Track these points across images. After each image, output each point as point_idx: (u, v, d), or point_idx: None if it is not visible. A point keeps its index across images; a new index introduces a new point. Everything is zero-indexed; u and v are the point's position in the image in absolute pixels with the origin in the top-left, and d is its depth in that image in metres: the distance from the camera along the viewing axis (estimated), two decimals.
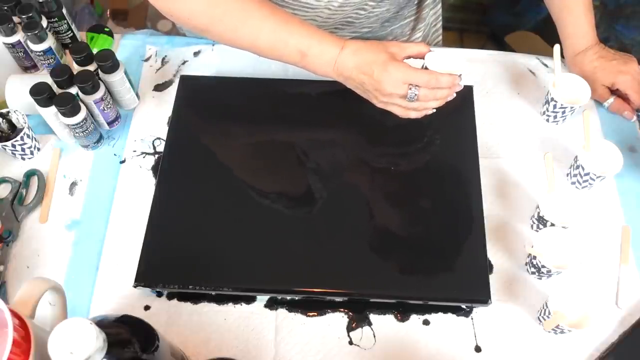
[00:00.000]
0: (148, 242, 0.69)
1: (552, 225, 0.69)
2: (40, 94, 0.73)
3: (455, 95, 0.69)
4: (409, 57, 0.68)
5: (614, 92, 0.83)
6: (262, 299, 0.69)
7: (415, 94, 0.65)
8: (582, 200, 0.71)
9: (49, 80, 0.75)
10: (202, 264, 0.68)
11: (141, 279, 0.67)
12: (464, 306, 0.69)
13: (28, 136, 0.77)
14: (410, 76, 0.65)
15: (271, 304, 0.69)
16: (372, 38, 0.91)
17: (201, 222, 0.71)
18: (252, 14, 0.67)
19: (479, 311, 0.69)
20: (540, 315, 0.67)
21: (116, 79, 0.79)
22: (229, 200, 0.73)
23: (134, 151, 0.81)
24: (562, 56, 0.85)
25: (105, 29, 0.90)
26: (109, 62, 0.77)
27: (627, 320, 0.68)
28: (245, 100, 0.82)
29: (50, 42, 0.81)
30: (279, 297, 0.69)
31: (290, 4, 0.77)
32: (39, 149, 0.80)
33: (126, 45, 0.92)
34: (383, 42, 0.68)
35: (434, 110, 0.69)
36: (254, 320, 0.68)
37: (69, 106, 0.72)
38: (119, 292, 0.70)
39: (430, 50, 0.68)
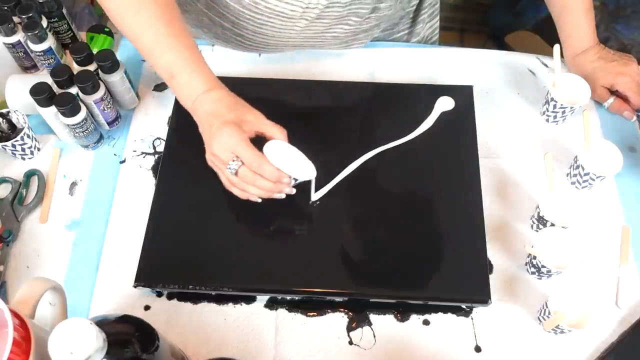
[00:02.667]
0: (148, 242, 0.69)
1: (552, 225, 0.69)
2: (40, 94, 0.73)
3: (284, 196, 0.65)
4: (261, 134, 0.64)
5: (614, 93, 0.83)
6: (262, 299, 0.69)
7: (235, 168, 0.61)
8: (582, 200, 0.71)
9: (49, 80, 0.75)
10: (202, 264, 0.68)
11: (141, 279, 0.67)
12: (464, 306, 0.69)
13: (28, 136, 0.77)
14: (238, 147, 0.61)
15: (271, 304, 0.69)
16: None
17: (201, 222, 0.71)
18: (145, 11, 0.64)
19: (479, 311, 0.69)
20: (540, 315, 0.67)
21: (116, 79, 0.79)
22: (229, 200, 0.73)
23: (134, 151, 0.81)
24: (562, 56, 0.85)
25: (105, 29, 0.90)
26: (109, 62, 0.77)
27: (627, 320, 0.68)
28: (245, 100, 0.82)
29: (50, 42, 0.81)
30: (279, 297, 0.69)
31: (264, 11, 0.76)
32: (39, 149, 0.80)
33: (126, 45, 0.92)
34: (249, 107, 0.65)
35: (259, 200, 0.65)
36: (254, 320, 0.68)
37: (69, 106, 0.72)
38: (119, 292, 0.70)
39: (275, 139, 0.64)
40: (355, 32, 0.84)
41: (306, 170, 0.65)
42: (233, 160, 0.62)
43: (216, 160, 0.64)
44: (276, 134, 0.64)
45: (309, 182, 0.69)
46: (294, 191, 0.66)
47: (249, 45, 0.83)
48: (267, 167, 0.61)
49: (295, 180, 0.65)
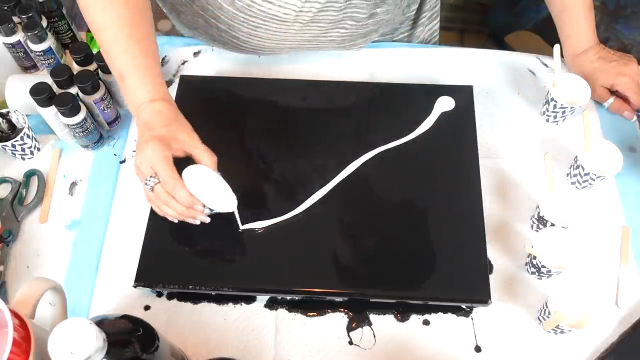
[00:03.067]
0: (148, 242, 0.69)
1: (552, 225, 0.69)
2: (40, 94, 0.73)
3: (198, 222, 0.64)
4: (189, 155, 0.63)
5: (614, 93, 0.83)
6: (262, 299, 0.69)
7: (152, 185, 0.61)
8: (582, 200, 0.71)
9: (49, 80, 0.75)
10: (202, 264, 0.68)
11: (141, 279, 0.67)
12: (464, 306, 0.69)
13: (28, 136, 0.77)
14: (157, 165, 0.60)
15: (271, 304, 0.69)
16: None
17: (201, 222, 0.71)
18: (111, 10, 0.64)
19: (479, 311, 0.69)
20: (540, 315, 0.67)
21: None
22: None
23: (134, 151, 0.81)
24: (562, 56, 0.85)
25: None
26: None
27: (627, 320, 0.68)
28: (245, 100, 0.82)
29: (50, 42, 0.81)
30: (279, 297, 0.69)
31: (258, 14, 0.75)
32: (39, 149, 0.80)
33: None
34: (186, 126, 0.64)
35: (175, 221, 0.65)
36: (254, 320, 0.68)
37: (69, 106, 0.72)
38: (119, 292, 0.70)
39: (200, 165, 0.62)
40: (352, 35, 0.84)
41: (224, 202, 0.64)
42: (152, 176, 0.61)
43: (138, 172, 0.63)
44: (204, 159, 0.62)
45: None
46: (207, 220, 0.64)
47: (245, 48, 0.83)
48: (180, 190, 0.60)
49: (211, 210, 0.64)
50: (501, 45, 1.63)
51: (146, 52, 0.65)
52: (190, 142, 0.63)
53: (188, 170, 0.61)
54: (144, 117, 0.63)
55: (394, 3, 0.82)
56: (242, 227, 0.69)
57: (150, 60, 0.65)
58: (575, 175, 0.76)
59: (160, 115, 0.63)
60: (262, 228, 0.70)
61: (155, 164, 0.60)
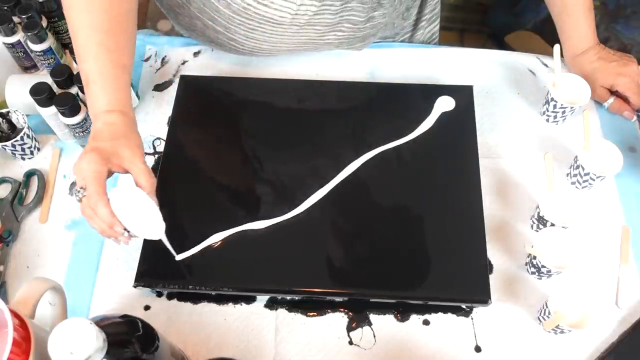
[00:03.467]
0: (148, 242, 0.69)
1: (552, 225, 0.69)
2: (40, 94, 0.73)
3: (120, 244, 0.62)
4: (127, 172, 0.61)
5: (614, 93, 0.83)
6: (262, 299, 0.69)
7: (79, 197, 0.59)
8: (582, 200, 0.71)
9: (49, 80, 0.75)
10: (202, 264, 0.68)
11: (141, 279, 0.67)
12: (464, 306, 0.69)
13: (28, 136, 0.77)
14: (88, 178, 0.58)
15: (271, 304, 0.69)
16: None
17: (201, 222, 0.71)
18: (89, 14, 0.63)
19: (479, 311, 0.69)
20: (540, 315, 0.67)
21: None
22: (229, 200, 0.73)
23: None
24: (562, 56, 0.85)
25: None
26: None
27: (627, 320, 0.68)
28: (244, 100, 0.82)
29: (50, 42, 0.81)
30: (279, 297, 0.69)
31: (254, 17, 0.75)
32: (39, 149, 0.80)
33: None
34: (133, 143, 0.62)
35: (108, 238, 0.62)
36: (254, 320, 0.68)
37: (69, 106, 0.73)
38: (119, 292, 0.70)
39: (134, 185, 0.60)
40: (349, 38, 0.83)
41: (149, 228, 0.62)
42: (82, 188, 0.59)
43: (75, 179, 0.61)
44: (141, 180, 0.61)
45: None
46: (127, 242, 0.62)
47: (242, 50, 0.83)
48: (101, 209, 0.58)
49: (128, 232, 0.61)
50: (501, 45, 1.63)
51: (116, 62, 0.63)
52: (132, 159, 0.61)
53: (117, 190, 0.60)
54: (96, 126, 0.62)
55: (391, 6, 0.82)
56: (177, 257, 0.67)
57: (117, 71, 0.63)
58: (575, 175, 0.76)
59: (110, 127, 0.61)
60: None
61: (87, 176, 0.58)
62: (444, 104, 0.79)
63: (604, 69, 0.81)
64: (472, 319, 0.68)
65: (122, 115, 0.62)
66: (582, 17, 0.81)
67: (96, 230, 0.61)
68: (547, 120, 0.83)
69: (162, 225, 0.62)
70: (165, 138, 0.79)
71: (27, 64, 0.85)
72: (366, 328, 0.68)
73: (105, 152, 0.59)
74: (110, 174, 0.60)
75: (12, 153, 0.78)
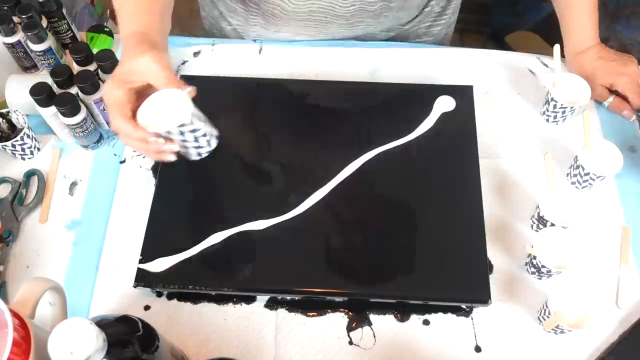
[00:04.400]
0: (148, 242, 0.69)
1: (552, 225, 0.69)
2: (40, 94, 0.73)
3: (171, 158, 0.63)
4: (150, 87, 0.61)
5: (613, 92, 0.83)
6: (262, 299, 0.69)
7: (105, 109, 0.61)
8: (582, 200, 0.71)
9: (49, 80, 0.75)
10: (202, 264, 0.68)
11: (141, 279, 0.67)
12: (464, 306, 0.69)
13: (28, 136, 0.77)
14: (107, 103, 0.61)
15: (271, 304, 0.69)
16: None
17: (201, 222, 0.71)
18: None
19: (479, 311, 0.69)
20: (540, 315, 0.67)
21: None
22: (229, 200, 0.73)
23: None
24: (563, 56, 0.85)
25: (105, 29, 0.90)
26: (109, 62, 0.77)
27: (627, 320, 0.68)
28: (245, 100, 0.82)
29: (50, 42, 0.81)
30: (279, 297, 0.69)
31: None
32: (39, 149, 0.80)
33: None
34: (155, 56, 0.60)
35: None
36: (254, 320, 0.68)
37: (69, 106, 0.73)
38: (119, 292, 0.70)
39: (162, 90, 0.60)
40: (360, 10, 0.83)
41: (177, 116, 0.60)
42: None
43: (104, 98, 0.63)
44: (168, 85, 0.60)
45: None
46: (173, 148, 0.62)
47: (255, 11, 0.83)
48: (124, 126, 0.60)
49: (169, 132, 0.61)
50: (501, 45, 1.63)
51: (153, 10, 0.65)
52: (156, 72, 0.60)
53: (146, 101, 0.60)
54: (122, 53, 0.63)
55: None
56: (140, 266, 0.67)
57: (152, 5, 0.65)
58: (575, 175, 0.76)
59: (133, 47, 0.61)
60: (229, 236, 0.69)
61: (107, 103, 0.61)
62: (444, 104, 0.79)
63: (604, 68, 0.81)
64: (472, 319, 0.68)
65: (144, 36, 0.62)
66: (586, 15, 0.82)
67: (128, 144, 0.63)
68: (547, 120, 0.83)
69: (190, 108, 0.60)
70: None
71: (27, 64, 0.85)
72: (366, 328, 0.68)
73: (123, 73, 0.60)
74: (140, 94, 0.61)
75: (12, 153, 0.78)
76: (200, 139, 0.63)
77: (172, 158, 0.64)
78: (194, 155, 0.65)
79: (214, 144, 0.66)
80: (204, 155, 0.66)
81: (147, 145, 0.61)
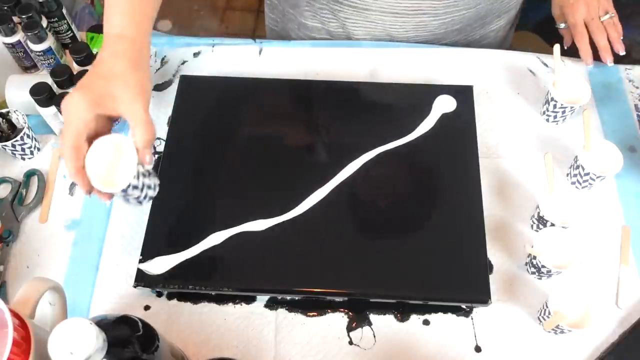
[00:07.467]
0: (148, 242, 0.69)
1: (552, 225, 0.69)
2: (40, 94, 0.73)
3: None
4: (117, 121, 0.56)
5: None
6: (262, 299, 0.69)
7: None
8: (582, 200, 0.71)
9: (49, 80, 0.75)
10: (202, 264, 0.68)
11: (141, 279, 0.67)
12: (464, 306, 0.69)
13: (28, 136, 0.77)
14: (66, 121, 0.52)
15: (271, 304, 0.69)
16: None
17: (201, 222, 0.71)
18: None
19: (479, 311, 0.69)
20: (540, 315, 0.67)
21: None
22: (229, 200, 0.73)
23: None
24: (563, 56, 0.85)
25: None
26: None
27: (627, 320, 0.68)
28: (245, 100, 0.82)
29: (50, 42, 0.81)
30: (279, 297, 0.69)
31: None
32: (39, 149, 0.80)
33: None
34: (134, 82, 0.53)
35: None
36: (254, 320, 0.68)
37: None
38: (119, 292, 0.70)
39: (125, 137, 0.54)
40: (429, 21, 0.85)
41: (123, 172, 0.55)
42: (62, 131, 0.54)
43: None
44: (137, 131, 0.52)
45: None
46: (106, 204, 0.58)
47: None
48: (68, 162, 0.52)
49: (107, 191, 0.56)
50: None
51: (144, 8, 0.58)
52: (130, 104, 0.52)
53: (100, 142, 0.53)
54: (100, 53, 0.55)
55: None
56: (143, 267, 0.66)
57: (143, 5, 0.57)
58: (575, 175, 0.76)
59: (114, 59, 0.53)
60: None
61: (67, 120, 0.52)
62: (444, 104, 0.79)
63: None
64: (472, 319, 0.68)
65: (132, 45, 0.54)
66: None
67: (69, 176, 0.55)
68: (547, 120, 0.83)
69: (134, 168, 0.54)
70: (165, 138, 0.79)
71: (27, 64, 0.85)
72: (366, 328, 0.68)
73: (97, 93, 0.51)
74: (109, 119, 0.53)
75: (12, 153, 0.78)
76: (144, 190, 0.59)
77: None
78: (134, 204, 0.61)
79: (154, 193, 0.61)
80: (144, 205, 0.62)
81: (79, 182, 0.55)
